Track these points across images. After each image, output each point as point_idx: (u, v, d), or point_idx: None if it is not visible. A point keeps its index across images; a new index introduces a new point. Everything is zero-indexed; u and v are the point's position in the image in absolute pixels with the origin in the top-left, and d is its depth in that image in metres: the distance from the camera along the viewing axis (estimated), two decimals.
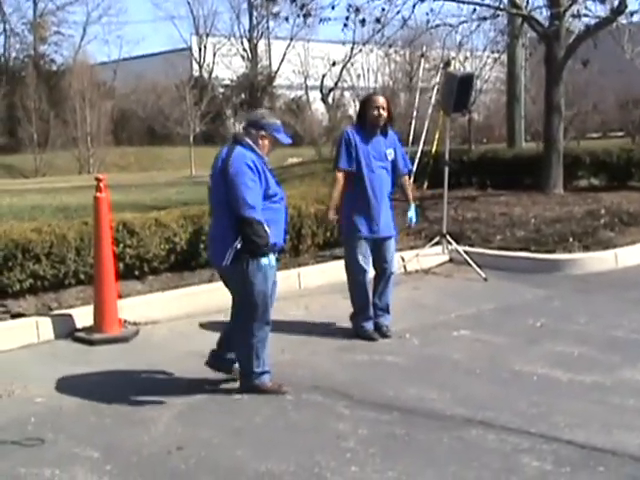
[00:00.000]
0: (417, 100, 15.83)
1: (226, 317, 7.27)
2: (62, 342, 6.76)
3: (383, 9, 12.18)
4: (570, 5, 12.51)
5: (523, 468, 4.16)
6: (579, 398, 5.17)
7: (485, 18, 13.23)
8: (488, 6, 12.80)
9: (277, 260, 5.54)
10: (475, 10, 12.82)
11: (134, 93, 46.83)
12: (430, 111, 14.64)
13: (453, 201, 11.82)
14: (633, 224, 10.40)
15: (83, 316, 6.95)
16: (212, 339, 5.79)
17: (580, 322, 7.03)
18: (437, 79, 14.04)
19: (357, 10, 12.16)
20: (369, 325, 6.74)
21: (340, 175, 6.59)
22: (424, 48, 17.89)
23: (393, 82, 42.52)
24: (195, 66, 49.68)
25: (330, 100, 40.78)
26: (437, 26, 12.96)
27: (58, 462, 4.40)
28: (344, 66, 35.77)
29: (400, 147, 6.86)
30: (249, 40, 49.98)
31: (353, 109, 39.22)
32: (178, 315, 7.38)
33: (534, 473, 4.11)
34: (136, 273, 7.90)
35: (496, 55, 18.92)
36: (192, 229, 8.23)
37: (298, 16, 12.96)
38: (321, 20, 13.49)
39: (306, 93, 42.82)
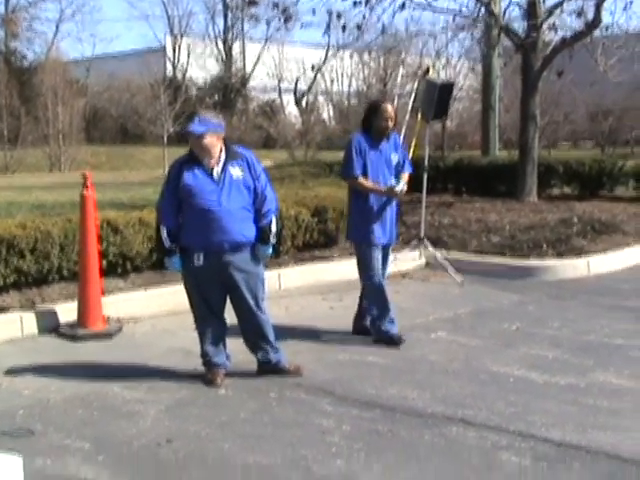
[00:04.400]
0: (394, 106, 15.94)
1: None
2: (46, 337, 6.84)
3: (364, 16, 12.34)
4: (547, 17, 12.78)
5: (503, 463, 4.32)
6: (554, 399, 5.34)
7: (463, 27, 13.43)
8: (467, 17, 13.00)
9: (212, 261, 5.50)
10: (455, 19, 13.03)
11: (107, 91, 46.52)
12: (407, 117, 14.78)
13: (430, 206, 11.99)
14: (604, 232, 10.66)
15: (66, 312, 7.02)
16: (194, 336, 5.88)
17: (554, 327, 7.22)
18: (414, 85, 14.17)
19: (339, 16, 12.29)
20: (394, 329, 6.67)
21: (361, 178, 6.50)
22: (402, 54, 18.05)
23: (367, 87, 42.80)
24: (169, 66, 49.51)
25: (304, 104, 40.90)
26: (417, 35, 13.15)
27: (49, 452, 4.48)
28: (318, 70, 35.91)
29: (402, 149, 6.86)
30: (224, 41, 49.86)
31: (326, 113, 39.42)
32: (160, 312, 7.48)
33: (513, 468, 4.26)
34: (119, 270, 7.97)
35: (471, 63, 19.20)
36: None
37: (279, 19, 13.09)
38: (302, 25, 13.66)
39: (280, 96, 42.88)
